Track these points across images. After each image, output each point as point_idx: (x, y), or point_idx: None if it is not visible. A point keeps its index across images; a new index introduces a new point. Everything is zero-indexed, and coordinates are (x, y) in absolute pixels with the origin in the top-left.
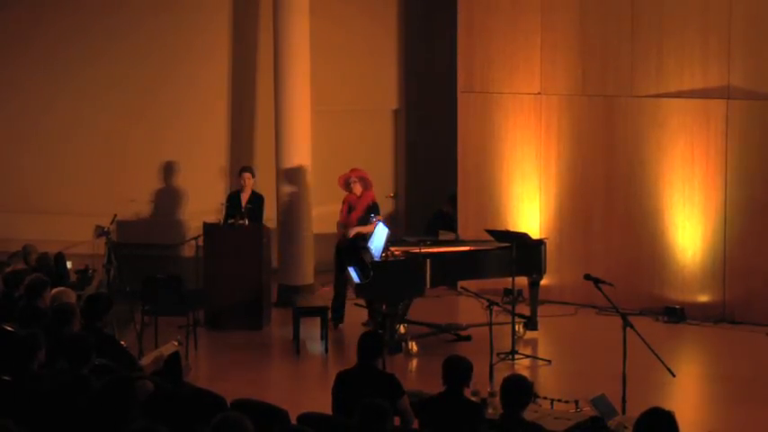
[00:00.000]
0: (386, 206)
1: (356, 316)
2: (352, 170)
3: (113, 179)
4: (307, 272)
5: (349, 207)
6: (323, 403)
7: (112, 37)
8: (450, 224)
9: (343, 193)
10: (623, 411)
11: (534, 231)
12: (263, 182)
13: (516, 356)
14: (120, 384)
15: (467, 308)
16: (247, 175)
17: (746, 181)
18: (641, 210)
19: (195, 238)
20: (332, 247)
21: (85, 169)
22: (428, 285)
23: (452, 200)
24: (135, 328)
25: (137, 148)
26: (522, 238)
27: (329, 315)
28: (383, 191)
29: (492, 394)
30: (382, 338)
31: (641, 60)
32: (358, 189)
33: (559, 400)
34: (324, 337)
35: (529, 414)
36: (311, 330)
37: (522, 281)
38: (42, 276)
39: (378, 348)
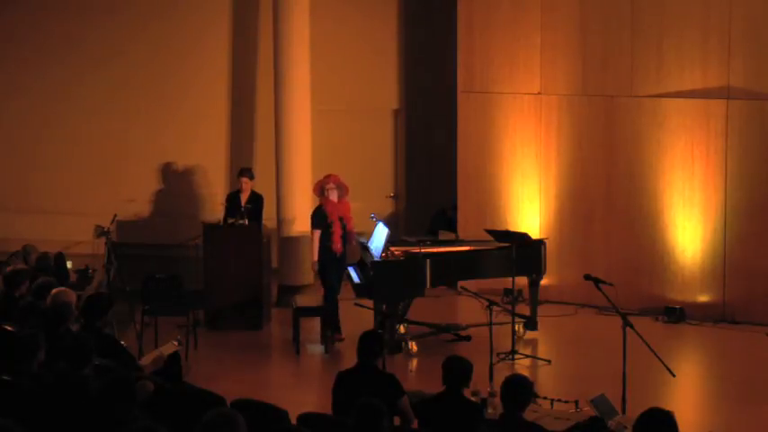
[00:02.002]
0: (386, 206)
1: (356, 316)
2: (329, 176)
3: (113, 179)
4: (307, 272)
5: (340, 221)
6: (323, 403)
7: (113, 39)
8: (450, 225)
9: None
10: (623, 411)
11: (534, 231)
12: (263, 182)
13: (516, 356)
14: (120, 384)
15: (467, 308)
16: (245, 179)
17: (746, 181)
18: (641, 210)
19: (195, 238)
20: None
21: (85, 169)
22: (428, 285)
23: (455, 207)
24: (135, 328)
25: (137, 148)
26: (522, 237)
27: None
28: (383, 191)
29: (492, 394)
30: (382, 338)
31: (641, 60)
32: (335, 196)
33: (559, 400)
34: (324, 337)
35: (529, 414)
36: (311, 330)
37: (522, 281)
38: (52, 280)
39: (378, 348)
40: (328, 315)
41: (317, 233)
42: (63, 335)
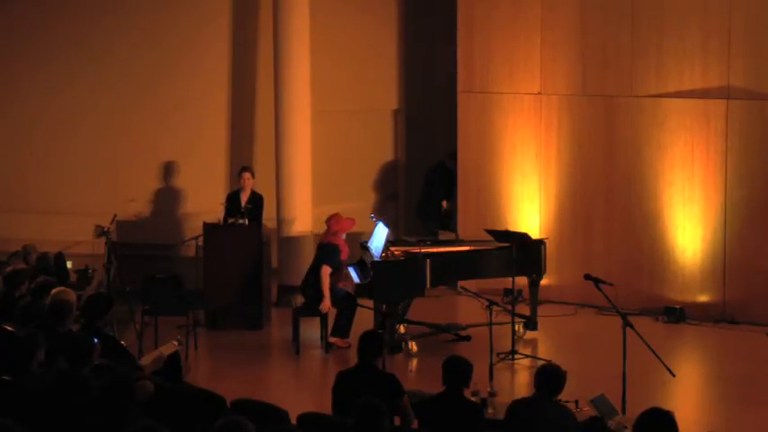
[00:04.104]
0: (386, 206)
1: (356, 316)
2: (353, 220)
3: (113, 179)
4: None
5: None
6: (323, 403)
7: (112, 37)
8: (450, 178)
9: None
10: (623, 411)
11: (534, 231)
12: (263, 182)
13: (516, 356)
14: (120, 384)
15: (467, 308)
16: (247, 174)
17: (746, 181)
18: (641, 210)
19: (195, 238)
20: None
21: (85, 169)
22: (428, 285)
23: (453, 156)
24: (135, 328)
25: (137, 148)
26: (522, 237)
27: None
28: (383, 191)
29: (492, 394)
30: (382, 338)
31: (641, 60)
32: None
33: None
34: (324, 337)
35: None
36: (311, 330)
37: (522, 281)
38: (52, 279)
39: (378, 348)
40: (343, 317)
41: (329, 270)
42: (63, 335)
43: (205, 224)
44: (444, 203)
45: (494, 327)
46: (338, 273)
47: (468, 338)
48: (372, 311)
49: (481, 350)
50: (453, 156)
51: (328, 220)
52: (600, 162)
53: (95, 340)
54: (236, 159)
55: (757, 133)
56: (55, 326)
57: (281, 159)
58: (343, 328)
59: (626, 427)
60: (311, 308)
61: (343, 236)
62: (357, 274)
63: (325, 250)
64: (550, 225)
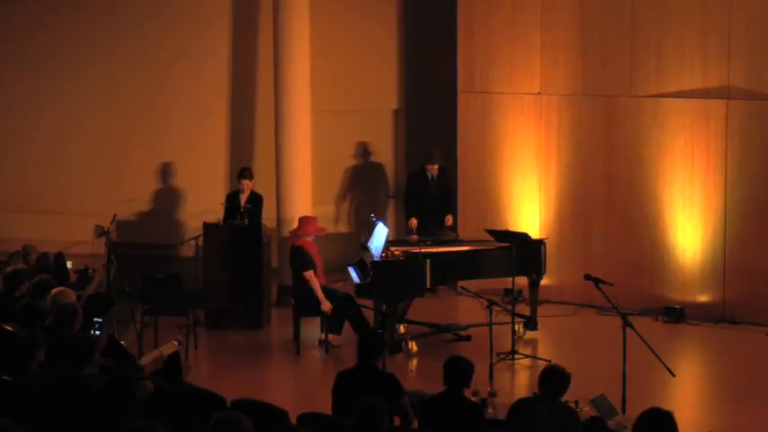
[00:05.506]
0: (385, 207)
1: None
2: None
3: (113, 179)
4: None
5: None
6: (323, 403)
7: (112, 37)
8: (429, 186)
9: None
10: (623, 411)
11: (534, 231)
12: (263, 182)
13: (516, 356)
14: (120, 384)
15: (467, 308)
16: (245, 181)
17: (746, 181)
18: (641, 210)
19: (195, 238)
20: (333, 247)
21: (85, 169)
22: (428, 285)
23: (429, 157)
24: (135, 328)
25: (137, 148)
26: (522, 237)
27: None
28: (383, 191)
29: (492, 394)
30: (382, 338)
31: (641, 60)
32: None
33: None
34: (324, 337)
35: None
36: (311, 330)
37: (522, 281)
38: (50, 278)
39: (378, 348)
40: (337, 316)
41: (311, 273)
42: (64, 335)
43: (205, 224)
44: (412, 221)
45: (494, 327)
46: (317, 271)
47: (468, 338)
48: (372, 311)
49: (481, 350)
50: (429, 157)
51: (303, 220)
52: (600, 162)
53: (98, 333)
54: (235, 159)
55: (757, 133)
56: (63, 329)
57: (281, 159)
58: (334, 326)
59: (626, 427)
60: (313, 309)
61: (310, 238)
62: (357, 274)
63: (298, 255)
64: (550, 225)
